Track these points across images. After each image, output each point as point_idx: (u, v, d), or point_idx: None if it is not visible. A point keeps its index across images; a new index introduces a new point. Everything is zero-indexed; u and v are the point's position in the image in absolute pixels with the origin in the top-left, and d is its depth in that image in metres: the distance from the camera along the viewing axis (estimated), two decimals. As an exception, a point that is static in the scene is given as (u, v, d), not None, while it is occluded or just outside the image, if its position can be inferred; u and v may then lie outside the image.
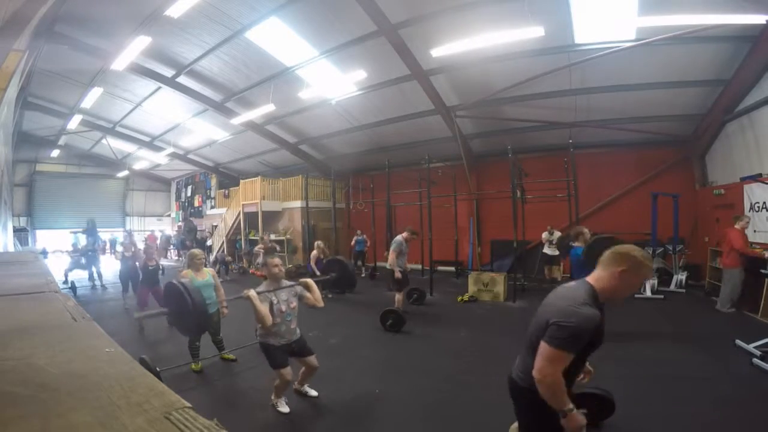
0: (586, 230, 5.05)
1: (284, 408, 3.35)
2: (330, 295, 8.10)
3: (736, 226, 5.76)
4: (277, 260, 3.35)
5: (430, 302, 7.45)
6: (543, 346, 1.62)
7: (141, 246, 8.97)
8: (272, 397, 3.41)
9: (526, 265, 9.38)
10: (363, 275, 10.83)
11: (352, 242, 11.29)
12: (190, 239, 15.74)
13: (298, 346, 3.40)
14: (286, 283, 3.39)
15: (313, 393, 3.62)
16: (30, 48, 5.91)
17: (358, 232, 11.36)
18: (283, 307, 3.23)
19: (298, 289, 3.42)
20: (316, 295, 3.43)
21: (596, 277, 1.74)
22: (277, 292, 3.25)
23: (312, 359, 3.48)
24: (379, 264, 11.11)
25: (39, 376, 0.72)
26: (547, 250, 8.47)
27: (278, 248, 11.70)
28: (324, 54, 7.56)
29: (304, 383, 3.65)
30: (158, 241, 15.44)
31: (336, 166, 12.18)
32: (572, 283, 1.82)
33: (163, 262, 10.93)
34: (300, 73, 8.23)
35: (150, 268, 6.00)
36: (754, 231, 6.31)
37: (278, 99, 8.73)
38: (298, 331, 3.42)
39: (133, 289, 6.85)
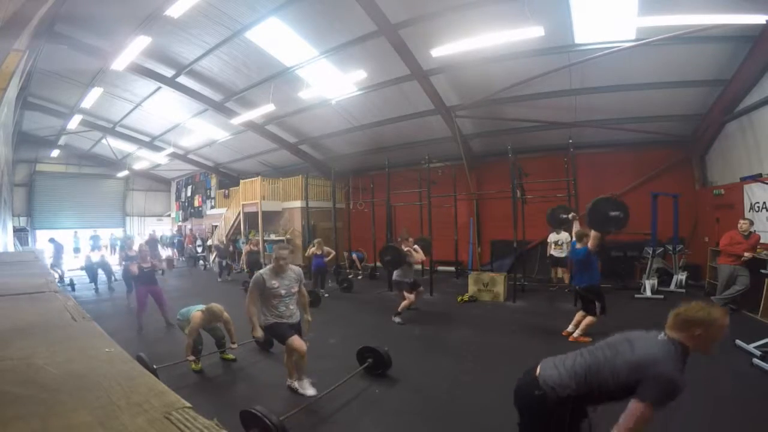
0: (590, 232, 5.04)
1: (310, 390, 3.52)
2: (326, 294, 8.13)
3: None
4: (283, 253, 3.45)
5: (430, 302, 7.45)
6: (638, 406, 1.56)
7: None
8: (289, 380, 3.64)
9: (526, 265, 9.37)
10: (360, 277, 10.87)
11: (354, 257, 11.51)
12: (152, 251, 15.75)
13: (296, 331, 3.57)
14: (292, 268, 3.58)
15: (311, 392, 3.61)
16: (30, 48, 5.90)
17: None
18: (282, 292, 3.44)
19: (301, 278, 3.65)
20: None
21: (677, 337, 1.70)
22: (280, 278, 3.44)
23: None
24: (378, 264, 11.12)
25: (39, 376, 0.72)
26: (553, 251, 8.41)
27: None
28: (324, 54, 7.56)
29: (293, 375, 3.72)
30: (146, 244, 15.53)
31: (336, 166, 12.17)
32: (659, 336, 1.75)
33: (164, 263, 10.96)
34: (300, 73, 8.22)
35: (145, 270, 5.97)
36: (755, 231, 6.29)
37: (278, 99, 8.72)
38: (297, 313, 3.61)
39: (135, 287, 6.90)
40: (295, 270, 3.59)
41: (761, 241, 5.99)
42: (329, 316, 6.78)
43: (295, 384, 3.68)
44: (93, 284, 9.52)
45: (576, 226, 5.26)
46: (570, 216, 5.49)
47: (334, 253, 8.85)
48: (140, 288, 6.01)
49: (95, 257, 10.81)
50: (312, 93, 8.20)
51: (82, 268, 10.22)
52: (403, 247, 6.46)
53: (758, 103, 6.46)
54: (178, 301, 7.23)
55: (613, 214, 4.63)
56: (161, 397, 0.63)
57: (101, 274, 9.74)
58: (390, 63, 7.36)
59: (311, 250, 8.30)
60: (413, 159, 10.30)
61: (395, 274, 6.43)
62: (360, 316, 6.86)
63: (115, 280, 9.70)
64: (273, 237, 12.99)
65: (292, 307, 3.53)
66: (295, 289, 3.54)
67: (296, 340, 3.43)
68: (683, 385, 1.56)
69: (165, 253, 16.70)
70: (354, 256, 11.43)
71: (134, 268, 5.98)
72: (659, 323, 1.84)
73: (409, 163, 10.55)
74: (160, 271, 6.52)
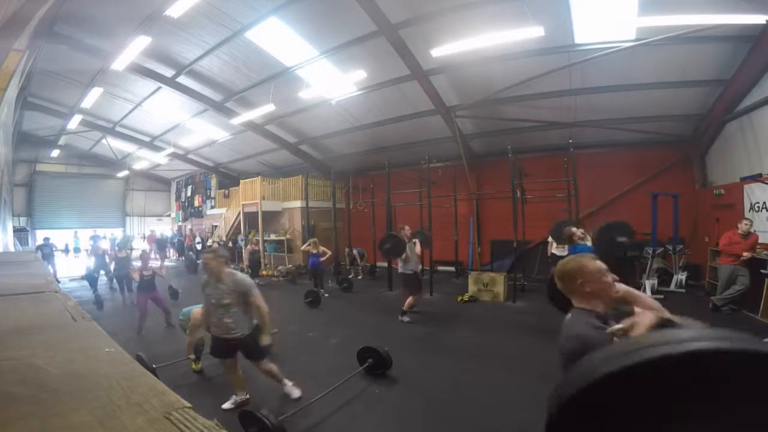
0: (574, 230, 5.10)
1: (296, 392, 3.49)
2: (326, 294, 8.14)
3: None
4: (206, 257, 3.24)
5: (430, 302, 7.45)
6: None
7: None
8: (279, 385, 3.61)
9: (526, 265, 9.37)
10: (360, 277, 10.88)
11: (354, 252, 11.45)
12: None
13: (243, 347, 3.28)
14: (233, 277, 3.20)
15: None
16: (30, 48, 5.91)
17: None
18: (213, 301, 3.17)
19: (243, 290, 3.16)
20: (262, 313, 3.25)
21: (576, 305, 1.68)
22: (213, 286, 3.18)
23: (261, 364, 3.40)
24: (378, 264, 11.13)
25: (39, 376, 0.72)
26: (555, 250, 8.38)
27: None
28: (324, 54, 7.56)
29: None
30: (154, 244, 15.55)
31: (336, 166, 12.16)
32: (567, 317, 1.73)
33: (165, 263, 10.96)
34: (300, 73, 8.22)
35: (145, 278, 5.96)
36: (754, 231, 6.29)
37: (278, 99, 8.72)
38: (240, 330, 3.18)
39: (128, 289, 6.91)
40: (236, 280, 3.16)
41: (761, 241, 5.99)
42: (329, 316, 6.78)
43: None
44: (94, 291, 9.36)
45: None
46: (579, 232, 5.52)
47: (330, 253, 8.83)
48: (140, 296, 6.01)
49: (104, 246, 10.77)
50: (312, 93, 8.20)
51: (83, 277, 10.12)
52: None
53: (758, 103, 6.45)
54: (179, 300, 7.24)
55: (620, 239, 4.67)
56: (161, 397, 0.63)
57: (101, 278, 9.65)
58: (390, 63, 7.35)
59: (306, 247, 8.42)
60: (413, 159, 10.30)
61: (400, 268, 6.43)
62: (360, 316, 6.86)
63: (111, 287, 9.66)
64: (273, 237, 13.00)
65: (227, 320, 3.13)
66: (227, 301, 3.10)
67: (225, 364, 3.36)
68: (587, 337, 1.50)
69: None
70: (354, 252, 11.37)
71: (136, 276, 5.97)
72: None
73: (409, 163, 10.55)
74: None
